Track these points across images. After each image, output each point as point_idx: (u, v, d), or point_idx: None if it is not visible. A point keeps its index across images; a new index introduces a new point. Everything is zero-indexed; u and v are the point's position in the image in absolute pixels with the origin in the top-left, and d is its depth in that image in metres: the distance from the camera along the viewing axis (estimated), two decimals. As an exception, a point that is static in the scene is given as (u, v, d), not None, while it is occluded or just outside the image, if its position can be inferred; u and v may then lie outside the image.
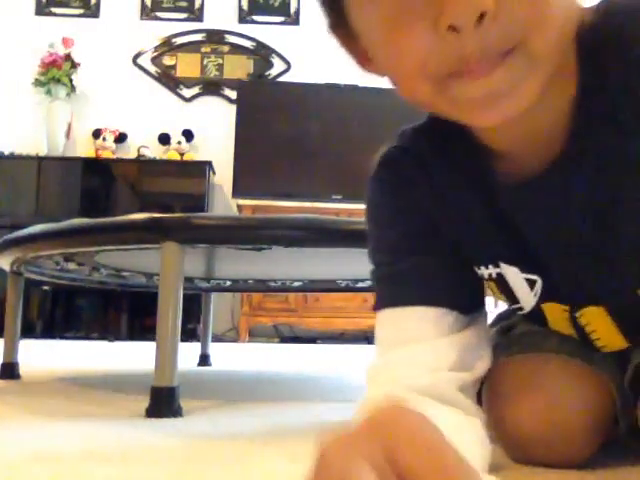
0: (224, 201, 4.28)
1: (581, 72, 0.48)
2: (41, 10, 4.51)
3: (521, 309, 0.62)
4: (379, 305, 0.58)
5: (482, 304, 0.59)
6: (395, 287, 0.57)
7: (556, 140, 0.50)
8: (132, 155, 4.31)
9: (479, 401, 0.68)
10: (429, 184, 0.57)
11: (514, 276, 0.59)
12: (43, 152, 4.20)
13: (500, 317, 0.76)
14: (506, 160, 0.52)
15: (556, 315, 0.62)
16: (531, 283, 0.59)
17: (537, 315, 0.62)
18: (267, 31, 4.55)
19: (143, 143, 4.30)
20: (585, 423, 0.61)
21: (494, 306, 0.77)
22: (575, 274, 0.57)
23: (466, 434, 0.48)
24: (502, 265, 0.58)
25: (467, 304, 0.56)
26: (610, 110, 0.48)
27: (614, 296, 0.58)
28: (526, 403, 0.62)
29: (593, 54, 0.47)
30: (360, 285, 1.76)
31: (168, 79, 4.54)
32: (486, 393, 0.65)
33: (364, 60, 0.50)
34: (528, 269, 0.58)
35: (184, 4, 4.58)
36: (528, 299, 0.60)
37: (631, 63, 0.46)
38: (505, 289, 0.61)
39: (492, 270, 0.59)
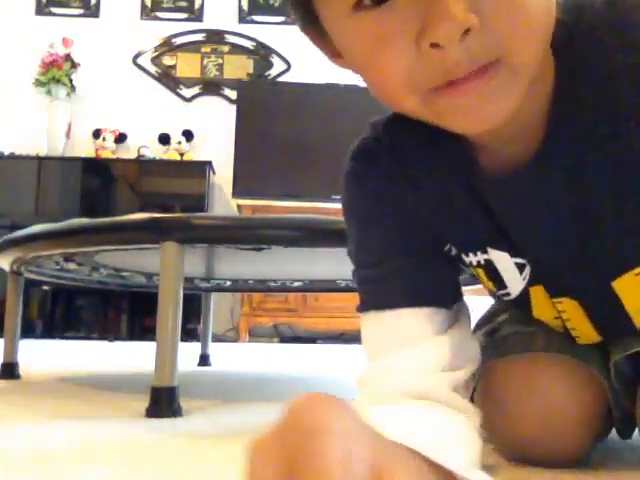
0: (224, 201, 4.29)
1: (557, 69, 0.49)
2: (41, 10, 4.51)
3: (508, 294, 0.62)
4: (364, 307, 0.57)
5: (462, 296, 0.59)
6: (381, 289, 0.56)
7: (534, 135, 0.51)
8: (132, 155, 4.31)
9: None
10: (407, 174, 0.57)
11: (503, 260, 0.59)
12: (43, 152, 4.20)
13: (479, 324, 0.75)
14: (486, 151, 0.53)
15: (541, 300, 0.62)
16: (520, 267, 0.59)
17: (523, 300, 0.62)
18: (267, 31, 4.55)
19: (143, 143, 4.30)
20: (579, 417, 0.62)
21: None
22: (552, 265, 0.58)
23: (462, 433, 0.47)
24: (490, 250, 0.58)
25: (450, 299, 0.56)
26: (584, 108, 0.49)
27: (587, 291, 0.59)
28: (519, 404, 0.62)
29: (567, 50, 0.48)
30: (360, 285, 1.75)
31: (168, 79, 4.54)
32: (479, 396, 0.65)
33: (336, 56, 0.50)
34: (516, 253, 0.58)
35: (184, 4, 4.58)
36: (516, 284, 0.60)
37: (602, 59, 0.48)
38: (494, 275, 0.60)
39: (480, 257, 0.59)
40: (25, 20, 4.48)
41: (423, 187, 0.57)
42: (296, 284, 1.81)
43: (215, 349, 2.11)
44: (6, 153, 4.13)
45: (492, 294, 0.67)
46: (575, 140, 0.50)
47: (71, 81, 4.27)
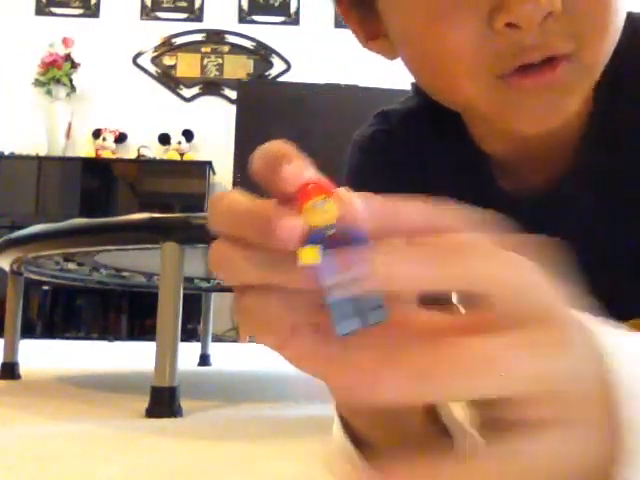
0: (224, 201, 4.29)
1: (598, 84, 0.45)
2: (41, 10, 4.51)
3: None
4: None
5: None
6: None
7: (559, 156, 0.47)
8: (132, 155, 4.31)
9: None
10: (418, 174, 0.53)
11: None
12: (43, 152, 4.20)
13: None
14: (505, 166, 0.50)
15: None
16: None
17: None
18: (267, 31, 4.56)
19: (143, 143, 4.30)
20: None
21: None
22: None
23: None
24: None
25: None
26: (621, 131, 0.46)
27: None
28: None
29: (613, 66, 0.44)
30: (360, 285, 1.75)
31: (168, 79, 4.55)
32: None
33: (372, 38, 0.45)
34: None
35: (184, 4, 4.58)
36: None
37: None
38: None
39: None
40: (25, 20, 4.48)
41: (435, 189, 0.55)
42: (296, 284, 1.81)
43: (215, 349, 2.10)
44: (6, 153, 4.13)
45: None
46: (607, 167, 0.47)
47: (71, 81, 4.27)
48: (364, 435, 0.38)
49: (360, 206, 0.27)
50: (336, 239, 0.27)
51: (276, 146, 0.27)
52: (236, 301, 0.27)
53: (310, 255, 0.26)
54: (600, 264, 0.51)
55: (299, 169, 0.26)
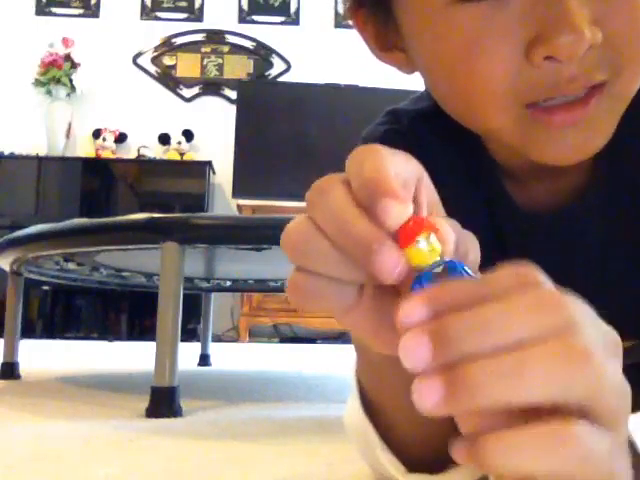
0: (224, 201, 4.29)
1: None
2: (41, 10, 4.51)
3: None
4: None
5: None
6: None
7: (578, 170, 0.46)
8: (132, 155, 4.31)
9: None
10: (429, 175, 0.53)
11: None
12: (43, 152, 4.20)
13: None
14: (519, 182, 0.49)
15: None
16: None
17: None
18: (267, 31, 4.55)
19: (143, 143, 4.30)
20: None
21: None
22: None
23: None
24: None
25: None
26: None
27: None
28: None
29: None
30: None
31: (168, 79, 4.55)
32: None
33: (384, 49, 0.44)
34: None
35: (184, 4, 4.58)
36: None
37: None
38: None
39: None
40: (25, 20, 4.48)
41: (441, 194, 0.54)
42: (296, 284, 1.81)
43: (215, 349, 2.11)
44: (6, 153, 4.13)
45: None
46: (630, 180, 0.47)
47: (71, 81, 4.27)
48: (380, 409, 0.42)
49: (453, 236, 0.29)
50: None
51: (374, 164, 0.28)
52: (294, 280, 0.29)
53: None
54: (617, 279, 0.51)
55: (402, 205, 0.28)
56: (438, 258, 0.29)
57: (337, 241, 0.29)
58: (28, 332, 3.32)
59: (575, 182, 0.48)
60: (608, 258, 0.52)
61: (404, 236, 0.29)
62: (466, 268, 0.30)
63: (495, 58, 0.36)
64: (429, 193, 0.31)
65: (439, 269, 0.29)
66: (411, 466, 0.44)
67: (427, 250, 0.29)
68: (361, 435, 0.46)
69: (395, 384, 0.39)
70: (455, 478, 0.45)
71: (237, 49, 4.58)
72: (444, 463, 0.45)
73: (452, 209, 0.54)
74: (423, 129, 0.52)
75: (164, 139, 4.28)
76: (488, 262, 0.54)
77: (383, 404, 0.43)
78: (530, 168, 0.46)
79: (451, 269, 0.29)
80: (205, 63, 4.57)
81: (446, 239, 0.29)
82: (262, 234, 1.07)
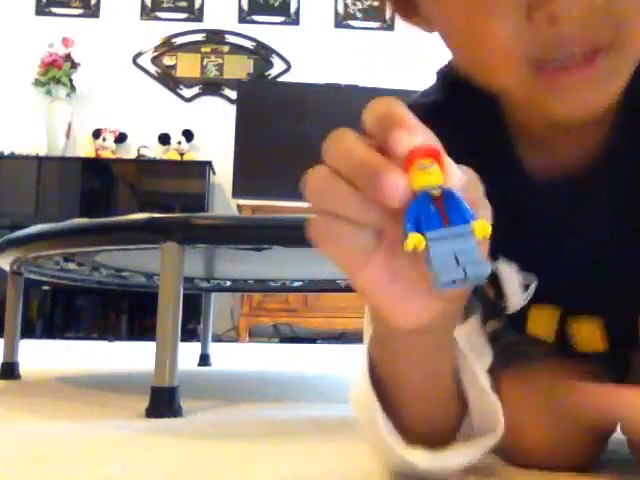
0: (224, 201, 4.29)
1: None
2: (41, 10, 4.51)
3: (505, 307, 0.60)
4: None
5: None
6: None
7: (596, 136, 0.48)
8: (132, 155, 4.31)
9: None
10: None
11: (509, 275, 0.57)
12: (43, 152, 4.20)
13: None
14: (532, 153, 0.51)
15: (540, 318, 0.61)
16: (525, 286, 0.57)
17: (518, 315, 0.61)
18: (267, 31, 4.55)
19: (143, 143, 4.30)
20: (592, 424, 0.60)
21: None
22: (579, 281, 0.56)
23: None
24: (500, 261, 0.57)
25: None
26: None
27: (614, 311, 0.58)
28: (530, 418, 0.60)
29: None
30: (360, 285, 1.75)
31: (168, 79, 4.55)
32: None
33: (410, 13, 0.47)
34: (526, 268, 0.56)
35: (184, 4, 4.58)
36: (518, 299, 0.59)
37: None
38: (497, 285, 0.59)
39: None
40: (25, 20, 4.48)
41: None
42: (296, 284, 1.81)
43: (215, 349, 2.11)
44: (6, 153, 4.13)
45: (486, 305, 0.66)
46: (637, 156, 0.48)
47: (71, 81, 4.27)
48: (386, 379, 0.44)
49: (460, 174, 0.31)
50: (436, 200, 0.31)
51: (389, 104, 0.31)
52: (316, 222, 0.32)
53: (415, 241, 0.31)
54: (628, 249, 0.53)
55: (411, 134, 0.30)
56: (440, 183, 0.31)
57: (349, 177, 0.31)
58: (28, 332, 3.32)
59: (590, 149, 0.49)
60: (620, 227, 0.53)
61: (408, 160, 0.31)
62: (463, 200, 0.31)
63: (498, 21, 0.37)
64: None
65: (437, 192, 0.31)
66: (411, 442, 0.45)
67: (428, 174, 0.30)
68: (366, 410, 0.47)
69: (409, 356, 0.42)
70: (452, 456, 0.46)
71: (237, 49, 4.58)
72: (444, 444, 0.47)
73: None
74: (437, 119, 0.53)
75: (164, 139, 4.28)
76: (505, 235, 0.55)
77: (393, 379, 0.45)
78: (545, 132, 0.48)
79: (448, 196, 0.31)
80: (205, 63, 4.57)
81: (448, 169, 0.31)
82: (262, 234, 1.07)
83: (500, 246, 0.56)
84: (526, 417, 0.61)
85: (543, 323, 0.62)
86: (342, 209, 0.31)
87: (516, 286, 0.58)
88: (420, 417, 0.46)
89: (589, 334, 0.62)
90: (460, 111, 0.51)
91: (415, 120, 0.31)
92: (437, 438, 0.47)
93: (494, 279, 0.58)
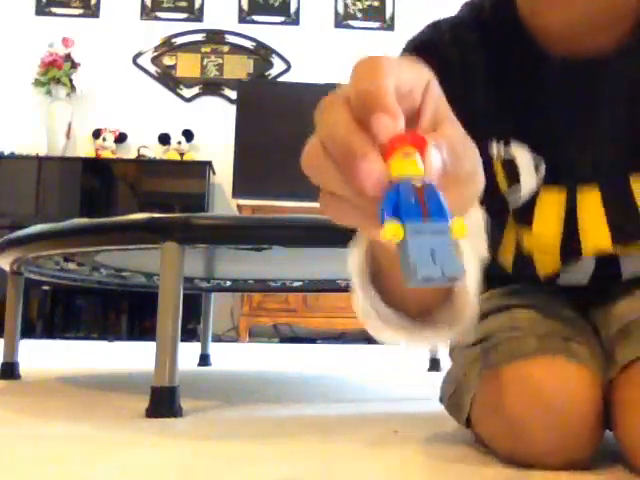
0: (224, 201, 4.29)
1: None
2: (41, 10, 4.51)
3: (518, 196, 0.66)
4: None
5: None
6: None
7: (615, 25, 0.57)
8: (132, 155, 4.31)
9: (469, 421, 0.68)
10: (462, 59, 0.64)
11: (523, 155, 0.64)
12: (43, 152, 4.20)
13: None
14: (554, 42, 0.59)
15: (548, 206, 0.66)
16: (536, 165, 0.64)
17: (527, 209, 0.66)
18: (267, 31, 4.55)
19: (143, 143, 4.30)
20: (586, 416, 0.61)
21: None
22: (583, 152, 0.64)
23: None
24: (512, 144, 0.64)
25: None
26: None
27: (609, 180, 0.65)
28: (524, 414, 0.61)
29: None
30: (360, 285, 1.75)
31: (168, 79, 4.54)
32: (480, 410, 0.65)
33: None
34: (536, 148, 0.63)
35: (184, 4, 4.58)
36: (530, 179, 0.64)
37: None
38: (510, 171, 0.65)
39: (502, 149, 0.65)
40: (25, 20, 4.48)
41: (475, 71, 0.65)
42: (296, 284, 1.81)
43: (215, 349, 2.11)
44: (6, 153, 4.13)
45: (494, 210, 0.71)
46: None
47: (71, 81, 4.27)
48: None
49: (439, 164, 0.31)
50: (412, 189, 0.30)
51: (372, 82, 0.31)
52: (320, 195, 0.32)
53: (393, 231, 0.30)
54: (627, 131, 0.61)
55: (395, 120, 0.30)
56: (419, 174, 0.30)
57: (334, 155, 0.31)
58: (28, 332, 3.31)
59: (610, 40, 0.58)
60: (633, 116, 0.62)
61: (389, 148, 0.30)
62: (441, 197, 0.30)
63: None
64: (435, 98, 0.33)
65: (418, 184, 0.30)
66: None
67: (408, 163, 0.29)
68: (356, 271, 0.47)
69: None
70: (423, 327, 0.48)
71: (237, 49, 4.58)
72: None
73: (484, 81, 0.63)
74: (462, 30, 0.64)
75: (164, 139, 4.28)
76: (521, 112, 0.64)
77: (384, 279, 0.46)
78: (574, 20, 0.57)
79: (430, 190, 0.30)
80: (205, 63, 4.57)
81: (429, 160, 0.30)
82: (262, 234, 1.07)
83: (515, 125, 0.64)
84: (522, 414, 0.61)
85: (551, 211, 0.66)
86: (331, 187, 0.31)
87: (530, 166, 0.64)
88: (404, 303, 0.48)
89: (594, 229, 0.66)
90: (482, 17, 0.62)
91: (396, 105, 0.30)
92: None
93: (507, 167, 0.65)
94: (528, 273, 0.71)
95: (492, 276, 0.79)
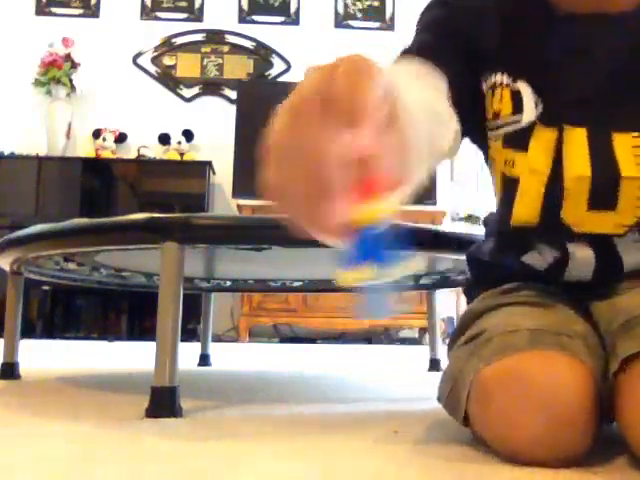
0: (224, 201, 4.29)
1: None
2: (41, 10, 4.51)
3: (518, 122, 0.74)
4: (405, 49, 0.74)
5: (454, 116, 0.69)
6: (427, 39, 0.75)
7: None
8: (132, 155, 4.31)
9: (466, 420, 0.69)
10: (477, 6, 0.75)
11: (525, 90, 0.73)
12: (43, 152, 4.20)
13: (461, 328, 0.76)
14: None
15: (541, 137, 0.73)
16: (535, 102, 0.73)
17: (523, 135, 0.74)
18: (267, 31, 4.56)
19: (143, 143, 4.30)
20: (580, 407, 0.61)
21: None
22: (577, 99, 0.72)
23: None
24: (518, 81, 0.73)
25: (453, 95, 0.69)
26: None
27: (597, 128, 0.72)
28: (518, 408, 0.61)
29: None
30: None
31: (168, 79, 4.55)
32: (475, 406, 0.65)
33: None
34: (536, 90, 0.73)
35: (184, 4, 4.58)
36: (531, 112, 0.73)
37: None
38: (515, 100, 0.74)
39: (509, 80, 0.74)
40: (25, 20, 4.48)
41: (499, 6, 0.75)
42: (296, 284, 1.81)
43: (215, 349, 2.11)
44: (6, 153, 4.13)
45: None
46: None
47: (71, 81, 4.27)
48: None
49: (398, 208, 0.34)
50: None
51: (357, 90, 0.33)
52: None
53: (367, 275, 0.33)
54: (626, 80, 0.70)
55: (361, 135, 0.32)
56: (377, 220, 0.33)
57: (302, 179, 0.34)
58: (28, 332, 3.32)
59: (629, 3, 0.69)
60: (628, 72, 0.70)
61: (355, 192, 0.32)
62: (393, 244, 0.34)
63: None
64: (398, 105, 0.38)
65: (380, 229, 0.33)
66: None
67: (372, 212, 0.33)
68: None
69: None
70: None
71: (237, 49, 4.58)
72: None
73: (506, 17, 0.74)
74: None
75: (164, 139, 4.28)
76: (526, 52, 0.74)
77: None
78: None
79: (385, 236, 0.34)
80: (205, 63, 4.57)
81: (388, 207, 0.34)
82: (262, 234, 1.07)
83: (520, 65, 0.72)
84: (513, 406, 0.61)
85: (541, 149, 0.73)
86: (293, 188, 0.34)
87: (531, 101, 0.73)
88: None
89: (578, 160, 0.72)
90: None
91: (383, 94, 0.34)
92: None
93: (513, 96, 0.73)
94: (510, 199, 0.76)
95: (486, 272, 0.81)
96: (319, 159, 0.33)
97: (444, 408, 0.75)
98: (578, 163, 0.72)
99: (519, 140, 0.74)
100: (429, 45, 0.73)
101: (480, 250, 0.86)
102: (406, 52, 0.73)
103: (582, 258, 0.74)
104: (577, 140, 0.72)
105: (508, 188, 0.76)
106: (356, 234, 0.33)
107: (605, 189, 0.71)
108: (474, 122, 0.75)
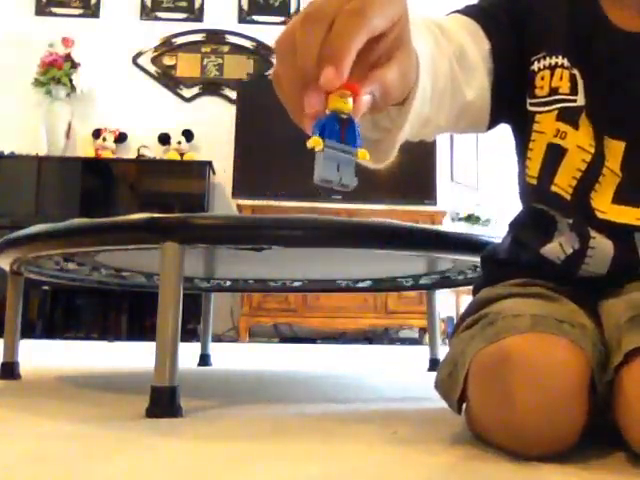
0: (224, 201, 4.29)
1: None
2: (41, 10, 4.51)
3: (571, 100, 0.78)
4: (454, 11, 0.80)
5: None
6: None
7: None
8: (132, 155, 4.31)
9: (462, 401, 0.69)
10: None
11: (579, 76, 0.78)
12: (43, 152, 4.20)
13: (468, 312, 0.77)
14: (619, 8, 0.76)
15: (588, 126, 0.77)
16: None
17: (576, 112, 0.78)
18: (267, 31, 4.56)
19: (143, 143, 4.30)
20: (575, 389, 0.61)
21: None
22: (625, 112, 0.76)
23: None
24: (574, 67, 0.78)
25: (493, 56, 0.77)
26: None
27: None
28: (516, 388, 0.61)
29: None
30: (360, 285, 1.75)
31: (168, 79, 4.55)
32: (474, 387, 0.66)
33: None
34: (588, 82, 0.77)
35: (184, 4, 4.58)
36: (582, 97, 0.77)
37: None
38: (571, 78, 0.78)
39: (567, 62, 0.78)
40: (25, 20, 4.48)
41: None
42: (296, 284, 1.81)
43: (215, 349, 2.11)
44: (6, 153, 4.13)
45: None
46: None
47: (71, 81, 4.27)
48: None
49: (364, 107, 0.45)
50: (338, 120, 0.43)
51: (339, 42, 0.42)
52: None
53: (315, 142, 0.42)
54: None
55: (339, 75, 0.42)
56: (347, 110, 0.43)
57: (297, 68, 0.43)
58: (28, 332, 3.32)
59: None
60: None
61: (332, 90, 0.43)
62: (357, 129, 0.44)
63: None
64: (399, 29, 0.47)
65: (345, 117, 0.43)
66: None
67: (341, 101, 0.43)
68: None
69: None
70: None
71: (237, 49, 4.58)
72: None
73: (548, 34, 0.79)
74: None
75: (164, 139, 4.29)
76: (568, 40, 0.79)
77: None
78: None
79: (351, 123, 0.43)
80: (205, 63, 4.57)
81: (359, 106, 0.44)
82: (262, 234, 1.07)
83: (579, 55, 0.77)
84: (512, 387, 0.61)
85: (590, 129, 0.77)
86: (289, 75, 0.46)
87: (583, 87, 0.78)
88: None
89: (613, 159, 0.76)
90: None
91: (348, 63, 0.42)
92: None
93: (570, 77, 0.78)
94: (554, 167, 0.79)
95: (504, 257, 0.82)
96: (307, 56, 0.42)
97: (438, 392, 0.75)
98: (611, 162, 0.76)
99: (572, 117, 0.78)
100: (485, 11, 0.79)
101: (496, 250, 0.88)
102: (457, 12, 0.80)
103: (602, 249, 0.76)
104: (615, 150, 0.76)
105: (554, 157, 0.79)
106: (324, 115, 0.43)
107: (632, 188, 0.75)
108: (514, 94, 0.80)
